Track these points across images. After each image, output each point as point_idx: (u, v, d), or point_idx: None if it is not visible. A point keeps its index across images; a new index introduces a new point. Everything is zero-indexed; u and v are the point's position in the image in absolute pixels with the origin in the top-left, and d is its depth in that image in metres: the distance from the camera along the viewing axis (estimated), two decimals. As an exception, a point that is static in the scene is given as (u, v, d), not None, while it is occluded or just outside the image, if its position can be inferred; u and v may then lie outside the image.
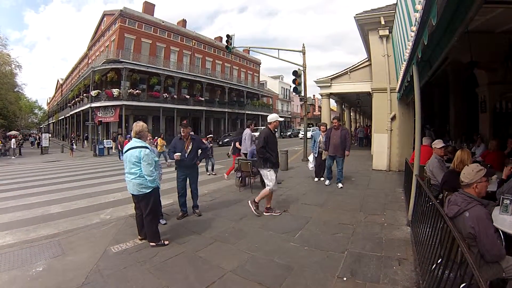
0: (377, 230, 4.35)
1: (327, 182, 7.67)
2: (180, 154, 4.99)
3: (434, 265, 2.38)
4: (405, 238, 4.02)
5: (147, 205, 3.91)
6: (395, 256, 3.45)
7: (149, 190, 3.89)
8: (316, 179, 8.33)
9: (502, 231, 2.66)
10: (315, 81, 15.90)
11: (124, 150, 4.09)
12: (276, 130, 5.40)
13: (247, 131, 8.86)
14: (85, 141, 23.72)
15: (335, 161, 7.53)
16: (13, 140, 22.37)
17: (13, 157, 20.72)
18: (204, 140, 7.73)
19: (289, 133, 43.82)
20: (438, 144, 4.89)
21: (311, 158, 8.27)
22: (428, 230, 2.84)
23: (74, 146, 23.03)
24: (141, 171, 3.82)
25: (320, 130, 8.38)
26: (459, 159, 3.81)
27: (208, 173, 10.33)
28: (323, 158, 7.95)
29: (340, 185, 7.42)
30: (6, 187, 9.01)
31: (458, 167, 3.64)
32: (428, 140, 6.01)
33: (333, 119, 7.30)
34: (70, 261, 3.56)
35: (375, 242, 3.92)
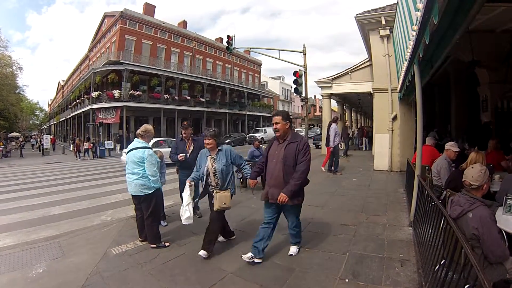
0: (379, 231, 4.32)
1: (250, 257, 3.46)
2: (184, 154, 5.01)
3: (437, 266, 2.35)
4: (407, 239, 3.99)
5: (148, 207, 3.90)
6: (397, 257, 3.42)
7: (151, 191, 3.88)
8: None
9: (505, 231, 2.63)
10: (316, 82, 15.88)
11: (126, 151, 4.10)
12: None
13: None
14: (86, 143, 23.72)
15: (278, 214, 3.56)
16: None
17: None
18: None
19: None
20: (454, 147, 4.80)
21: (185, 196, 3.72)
22: (430, 231, 2.81)
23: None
24: (144, 171, 3.83)
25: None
26: (473, 161, 3.74)
27: None
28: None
29: (294, 250, 3.65)
30: (7, 189, 9.02)
31: None
32: (431, 140, 5.96)
33: (274, 115, 3.46)
34: (70, 263, 3.55)
35: (377, 243, 3.89)
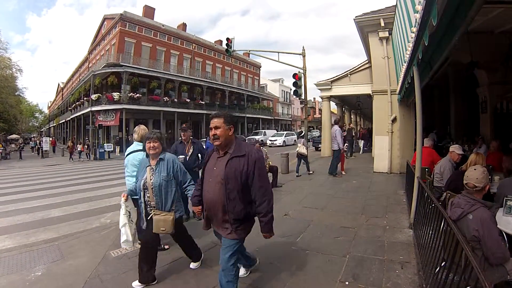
0: (379, 233, 4.31)
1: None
2: (183, 156, 5.01)
3: (438, 268, 2.34)
4: (407, 241, 3.98)
5: (147, 209, 3.88)
6: (397, 260, 3.41)
7: None
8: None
9: (506, 233, 2.62)
10: (315, 84, 15.89)
11: (125, 154, 4.07)
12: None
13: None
14: (86, 145, 23.78)
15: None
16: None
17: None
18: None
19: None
20: (458, 150, 4.81)
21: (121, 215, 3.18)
22: (431, 232, 2.80)
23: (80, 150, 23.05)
24: None
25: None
26: (473, 163, 3.75)
27: None
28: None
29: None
30: (6, 191, 9.00)
31: None
32: (429, 141, 5.96)
33: (213, 117, 2.44)
34: (69, 266, 3.53)
35: (377, 245, 3.88)
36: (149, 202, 2.96)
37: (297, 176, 9.69)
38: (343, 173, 9.68)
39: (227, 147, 2.41)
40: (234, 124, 2.46)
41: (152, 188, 2.91)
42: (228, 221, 2.36)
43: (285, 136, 30.13)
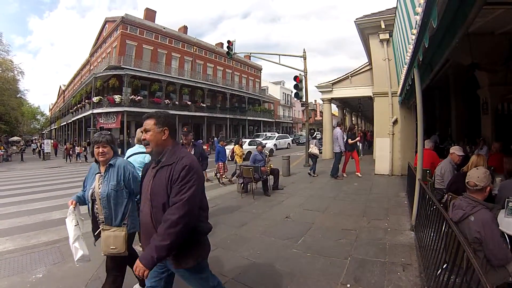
0: (380, 236, 4.30)
1: None
2: None
3: (439, 271, 2.33)
4: (409, 243, 3.96)
5: (148, 212, 3.87)
6: (399, 262, 3.40)
7: None
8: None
9: (507, 234, 2.61)
10: (316, 86, 15.90)
11: (126, 156, 4.07)
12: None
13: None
14: (83, 148, 23.89)
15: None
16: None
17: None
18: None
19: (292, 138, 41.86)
20: (459, 151, 4.80)
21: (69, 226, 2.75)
22: (432, 234, 2.80)
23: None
24: None
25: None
26: (474, 164, 3.74)
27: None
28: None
29: None
30: (7, 193, 9.01)
31: None
32: (429, 143, 5.96)
33: (145, 118, 2.04)
34: (70, 268, 3.53)
35: (379, 247, 3.86)
36: (97, 215, 2.52)
37: (313, 176, 10.00)
38: (344, 175, 9.62)
39: (159, 154, 1.93)
40: (170, 126, 1.97)
41: (100, 199, 2.45)
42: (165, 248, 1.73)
43: (276, 139, 26.59)
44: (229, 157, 10.22)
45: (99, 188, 2.47)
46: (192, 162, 1.83)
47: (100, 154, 2.48)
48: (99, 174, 2.53)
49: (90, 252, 2.60)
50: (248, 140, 19.84)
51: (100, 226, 2.51)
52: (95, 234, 2.59)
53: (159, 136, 1.92)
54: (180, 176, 1.76)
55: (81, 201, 2.66)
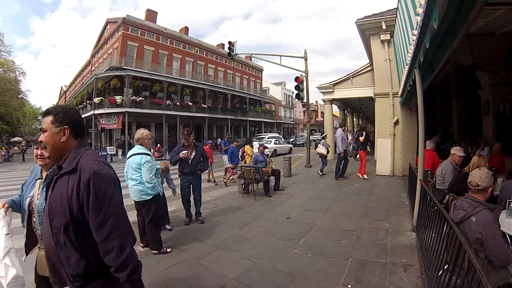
0: (381, 236, 4.29)
1: None
2: (186, 151, 5.05)
3: (441, 271, 2.33)
4: (410, 244, 3.96)
5: (148, 212, 3.91)
6: (400, 263, 3.39)
7: (150, 197, 3.89)
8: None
9: (509, 235, 2.60)
10: (317, 87, 15.93)
11: (127, 157, 4.10)
12: None
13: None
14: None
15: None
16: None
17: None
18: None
19: (292, 140, 37.58)
20: (459, 152, 4.80)
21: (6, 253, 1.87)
22: (433, 235, 2.79)
23: None
24: (142, 177, 3.82)
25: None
26: (475, 165, 3.73)
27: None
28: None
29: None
30: (8, 193, 8.98)
31: None
32: (430, 144, 5.96)
33: (43, 114, 1.57)
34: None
35: (380, 248, 3.86)
36: (35, 230, 1.95)
37: (320, 175, 10.20)
38: (365, 176, 9.40)
39: (59, 160, 1.49)
40: (73, 123, 1.51)
41: (37, 212, 1.88)
42: (68, 278, 1.41)
43: (275, 143, 21.95)
44: (239, 157, 10.16)
45: (38, 198, 1.89)
46: (100, 166, 1.42)
47: (38, 157, 1.90)
48: (40, 180, 1.95)
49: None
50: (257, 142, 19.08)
51: (38, 244, 1.93)
52: (29, 253, 2.03)
53: (56, 138, 1.47)
54: (93, 190, 1.34)
55: (16, 206, 2.09)
